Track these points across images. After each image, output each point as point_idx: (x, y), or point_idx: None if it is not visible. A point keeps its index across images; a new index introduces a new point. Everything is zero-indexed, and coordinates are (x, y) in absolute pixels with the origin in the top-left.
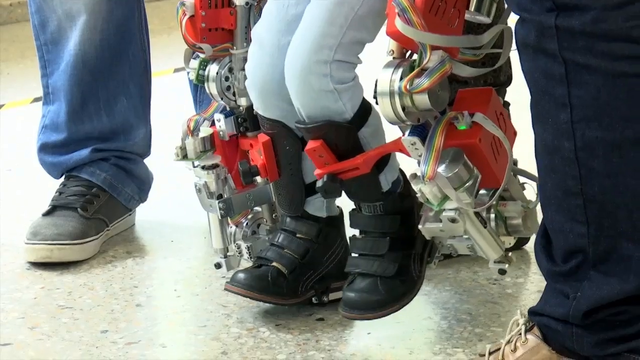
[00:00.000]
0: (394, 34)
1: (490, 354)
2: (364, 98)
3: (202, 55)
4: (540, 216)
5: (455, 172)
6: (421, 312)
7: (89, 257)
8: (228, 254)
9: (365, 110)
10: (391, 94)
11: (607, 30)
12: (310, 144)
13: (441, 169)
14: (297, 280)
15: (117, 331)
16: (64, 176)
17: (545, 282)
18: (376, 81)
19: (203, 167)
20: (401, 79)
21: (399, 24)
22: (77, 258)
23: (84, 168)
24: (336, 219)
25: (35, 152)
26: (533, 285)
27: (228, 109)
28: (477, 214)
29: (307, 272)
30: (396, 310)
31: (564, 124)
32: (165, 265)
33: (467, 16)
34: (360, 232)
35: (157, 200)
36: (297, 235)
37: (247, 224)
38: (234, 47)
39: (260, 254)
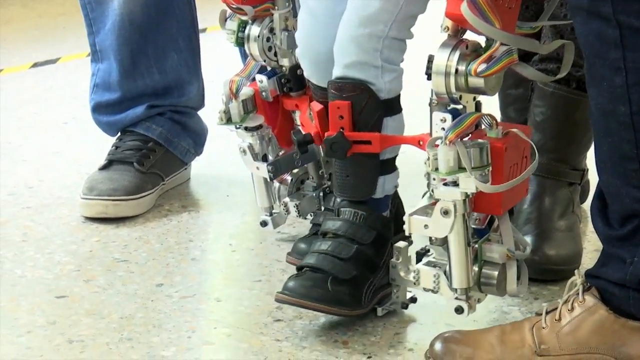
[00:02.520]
0: (455, 17)
1: (547, 313)
2: (399, 96)
3: (236, 17)
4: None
5: (478, 149)
6: None
7: (144, 212)
8: (274, 211)
9: (397, 105)
10: (447, 74)
11: None
12: (337, 102)
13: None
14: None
15: (172, 285)
16: (120, 132)
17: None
18: (430, 58)
19: (247, 129)
20: (458, 61)
21: (468, 15)
22: (132, 213)
23: (140, 123)
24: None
25: (90, 112)
26: (590, 244)
27: (269, 68)
28: (466, 227)
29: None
30: (332, 313)
31: (618, 87)
32: (221, 219)
33: None
34: (327, 235)
35: (212, 155)
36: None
37: (291, 180)
38: (276, 7)
39: (317, 219)
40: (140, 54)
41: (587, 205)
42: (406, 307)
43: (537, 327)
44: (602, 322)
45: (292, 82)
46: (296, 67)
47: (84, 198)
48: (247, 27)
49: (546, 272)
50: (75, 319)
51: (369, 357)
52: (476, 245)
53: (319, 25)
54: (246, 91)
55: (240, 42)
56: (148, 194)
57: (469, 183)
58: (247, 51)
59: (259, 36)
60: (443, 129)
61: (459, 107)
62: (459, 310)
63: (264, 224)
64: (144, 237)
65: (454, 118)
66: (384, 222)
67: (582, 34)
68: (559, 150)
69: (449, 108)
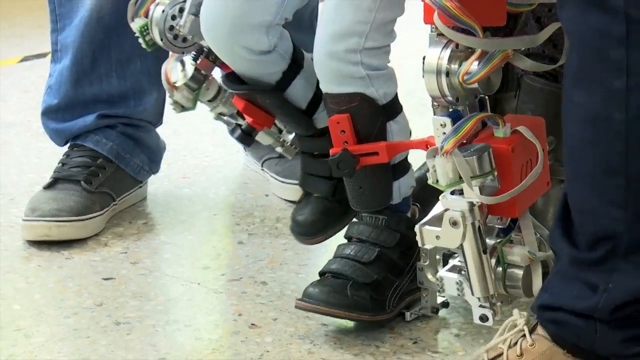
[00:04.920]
0: (432, 24)
1: None
2: (396, 95)
3: (139, 21)
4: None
5: (476, 157)
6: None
7: (94, 234)
8: (282, 139)
9: (396, 105)
10: (438, 72)
11: None
12: (335, 117)
13: (462, 152)
14: (341, 202)
15: (219, 268)
16: (68, 144)
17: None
18: (424, 58)
19: (209, 101)
20: (450, 59)
21: (441, 27)
22: (78, 236)
23: (89, 136)
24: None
25: (39, 116)
26: None
27: (195, 51)
28: (480, 234)
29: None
30: (351, 319)
31: (617, 92)
32: (267, 203)
33: None
34: (352, 240)
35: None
36: (315, 153)
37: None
38: None
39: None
40: (103, 55)
41: None
42: (437, 312)
43: None
44: None
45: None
46: None
47: (25, 220)
48: (151, 9)
49: (545, 275)
50: (122, 301)
51: (414, 342)
52: (493, 259)
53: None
54: (186, 71)
55: (152, 45)
56: (96, 215)
57: (476, 192)
58: (151, 35)
59: (160, 19)
60: (444, 133)
61: (461, 108)
62: (483, 318)
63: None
64: (190, 220)
65: (454, 121)
66: (409, 224)
67: (576, 26)
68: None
69: (450, 110)
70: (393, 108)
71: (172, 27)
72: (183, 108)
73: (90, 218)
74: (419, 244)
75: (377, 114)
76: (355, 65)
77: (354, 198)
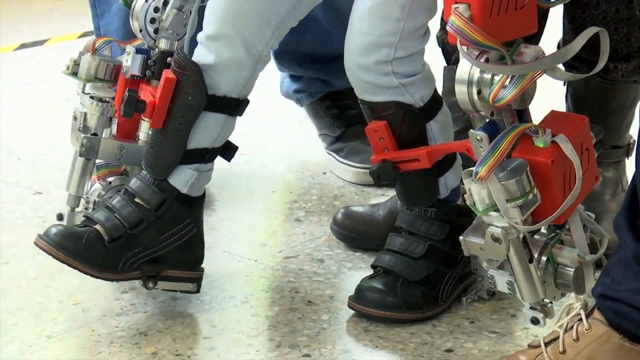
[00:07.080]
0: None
1: (546, 344)
2: (435, 91)
3: None
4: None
5: (512, 181)
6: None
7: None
8: (77, 209)
9: (435, 103)
10: (469, 83)
11: None
12: (373, 124)
13: (498, 173)
14: (118, 253)
15: (276, 245)
16: None
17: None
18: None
19: (92, 97)
20: (482, 71)
21: (465, 55)
22: None
23: None
24: (193, 200)
25: None
26: None
27: (146, 46)
28: (525, 244)
29: (135, 248)
30: (402, 320)
31: None
32: (325, 180)
33: None
34: (402, 231)
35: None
36: (135, 199)
37: (111, 183)
38: None
39: (91, 213)
40: None
41: None
42: (493, 295)
43: None
44: (617, 351)
45: (158, 67)
46: (169, 54)
47: None
48: None
49: (604, 257)
50: None
51: (471, 322)
52: (544, 257)
53: None
54: (126, 58)
55: (128, 3)
56: None
57: (514, 212)
58: (130, 22)
59: (146, 2)
60: (481, 147)
61: (498, 118)
62: (534, 321)
63: (60, 217)
64: (248, 196)
65: (491, 136)
66: (459, 211)
67: None
68: None
69: (487, 121)
70: (432, 108)
71: (153, 20)
72: (74, 74)
73: None
74: (464, 253)
75: (415, 119)
76: (387, 76)
77: (400, 194)
